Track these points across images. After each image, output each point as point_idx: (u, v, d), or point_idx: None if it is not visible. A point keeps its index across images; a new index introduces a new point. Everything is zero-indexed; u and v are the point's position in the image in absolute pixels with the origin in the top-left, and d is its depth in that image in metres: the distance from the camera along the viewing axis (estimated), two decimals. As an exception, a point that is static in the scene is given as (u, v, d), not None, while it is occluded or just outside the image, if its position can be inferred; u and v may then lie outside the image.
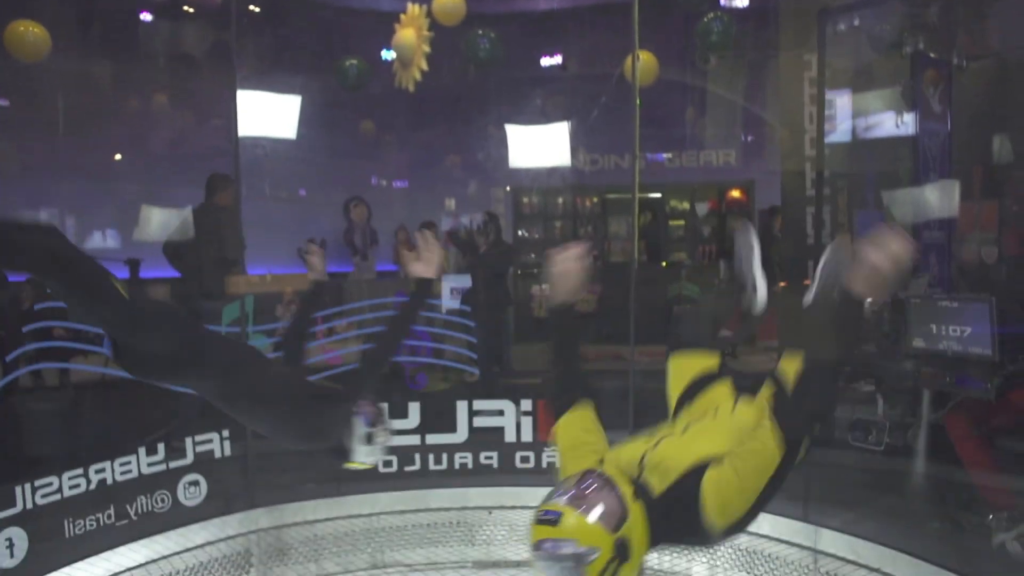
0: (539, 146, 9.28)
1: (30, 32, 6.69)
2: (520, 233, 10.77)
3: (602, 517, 2.01)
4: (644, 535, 2.12)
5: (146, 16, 9.08)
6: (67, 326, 5.11)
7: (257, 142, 7.56)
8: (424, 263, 3.34)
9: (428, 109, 9.36)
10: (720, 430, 2.46)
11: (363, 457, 3.21)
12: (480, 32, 6.96)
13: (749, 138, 9.84)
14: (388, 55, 7.72)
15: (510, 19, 8.48)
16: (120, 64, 8.60)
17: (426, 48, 6.59)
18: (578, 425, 2.53)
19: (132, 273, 7.51)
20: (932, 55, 6.24)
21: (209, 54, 8.31)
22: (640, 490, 2.19)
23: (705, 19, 7.50)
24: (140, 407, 5.36)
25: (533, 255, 10.75)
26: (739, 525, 2.25)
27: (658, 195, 10.55)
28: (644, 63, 6.71)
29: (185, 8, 8.53)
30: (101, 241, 10.15)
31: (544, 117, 9.29)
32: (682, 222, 10.24)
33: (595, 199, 10.70)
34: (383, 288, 7.91)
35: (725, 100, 9.48)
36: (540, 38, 9.10)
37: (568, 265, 2.70)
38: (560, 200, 10.74)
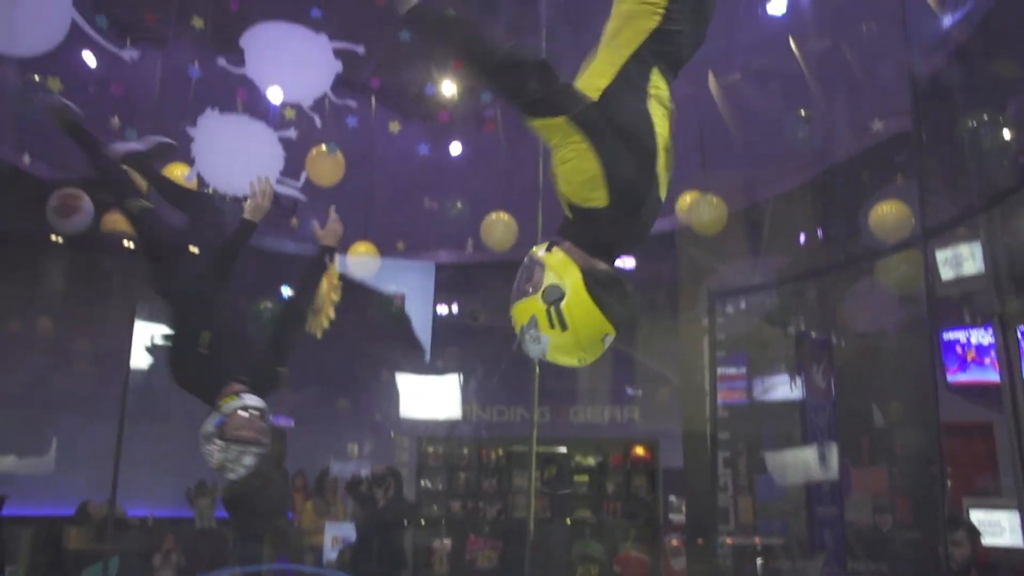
0: (444, 397, 9.29)
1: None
2: (423, 484, 10.43)
3: (517, 296, 2.08)
4: (570, 264, 2.05)
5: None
6: None
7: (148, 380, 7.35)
8: (330, 234, 3.71)
9: (332, 354, 9.36)
10: None
11: None
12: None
13: (650, 396, 10.03)
14: (287, 292, 7.83)
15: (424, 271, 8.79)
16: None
17: (335, 297, 6.71)
18: None
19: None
20: (813, 334, 6.65)
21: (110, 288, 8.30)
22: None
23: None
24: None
25: (435, 507, 10.36)
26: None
27: (563, 449, 10.49)
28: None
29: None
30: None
31: (450, 367, 9.39)
32: (586, 478, 10.11)
33: (500, 451, 10.56)
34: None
35: (628, 357, 9.76)
36: (452, 289, 9.42)
37: None
38: (465, 451, 10.54)
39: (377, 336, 9.19)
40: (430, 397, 9.53)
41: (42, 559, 6.71)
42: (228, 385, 3.09)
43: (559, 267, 2.04)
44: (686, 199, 7.23)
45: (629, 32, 2.16)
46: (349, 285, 6.77)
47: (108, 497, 6.70)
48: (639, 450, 10.06)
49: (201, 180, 6.54)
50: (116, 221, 7.54)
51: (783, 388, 7.58)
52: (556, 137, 2.04)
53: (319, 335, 6.90)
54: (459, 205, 8.13)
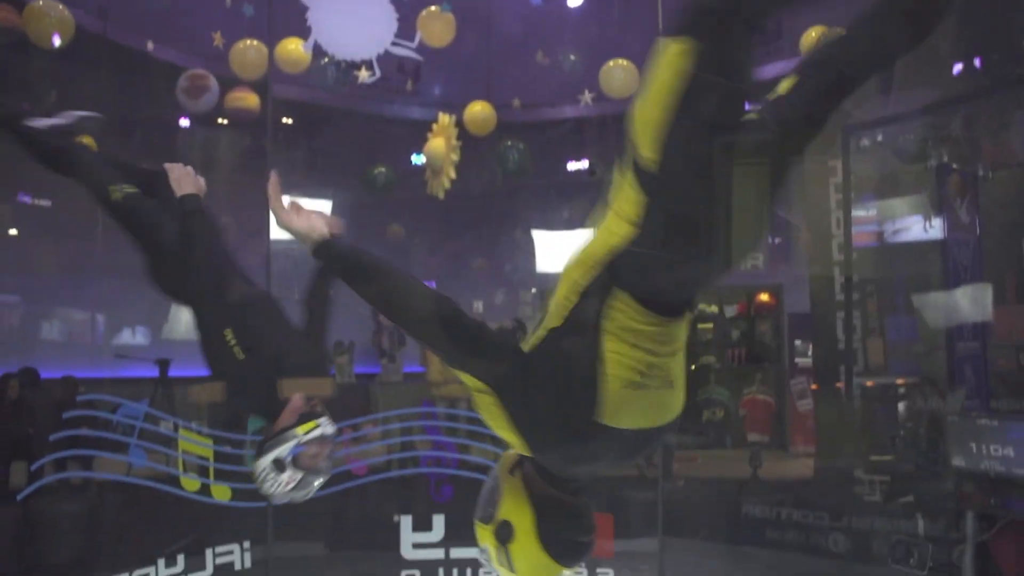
0: (567, 250, 9.36)
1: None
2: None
3: (480, 514, 2.00)
4: (524, 501, 1.94)
5: (184, 124, 9.46)
6: (95, 435, 5.12)
7: (288, 247, 7.70)
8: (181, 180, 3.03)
9: (457, 215, 9.54)
10: None
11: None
12: (509, 143, 7.14)
13: (776, 242, 9.87)
14: (418, 160, 7.94)
15: (538, 128, 8.71)
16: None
17: (455, 157, 6.76)
18: None
19: (161, 373, 7.57)
20: (956, 167, 6.28)
21: (243, 161, 8.60)
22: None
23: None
24: (162, 513, 5.30)
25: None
26: None
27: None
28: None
29: (220, 120, 8.87)
30: (131, 339, 10.29)
31: (571, 223, 9.42)
32: (710, 325, 10.18)
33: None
34: (409, 392, 7.89)
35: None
36: (567, 145, 9.33)
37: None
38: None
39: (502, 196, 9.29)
40: (553, 251, 9.64)
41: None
42: (296, 401, 2.83)
43: (513, 501, 1.92)
44: (811, 34, 6.85)
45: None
46: (470, 143, 6.79)
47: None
48: (763, 296, 10.01)
49: (318, 48, 6.58)
50: (239, 99, 7.77)
51: (918, 228, 7.29)
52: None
53: (441, 196, 7.04)
54: (572, 57, 7.93)
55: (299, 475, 2.71)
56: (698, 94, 1.66)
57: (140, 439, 5.13)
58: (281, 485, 2.70)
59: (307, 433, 2.73)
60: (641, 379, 1.78)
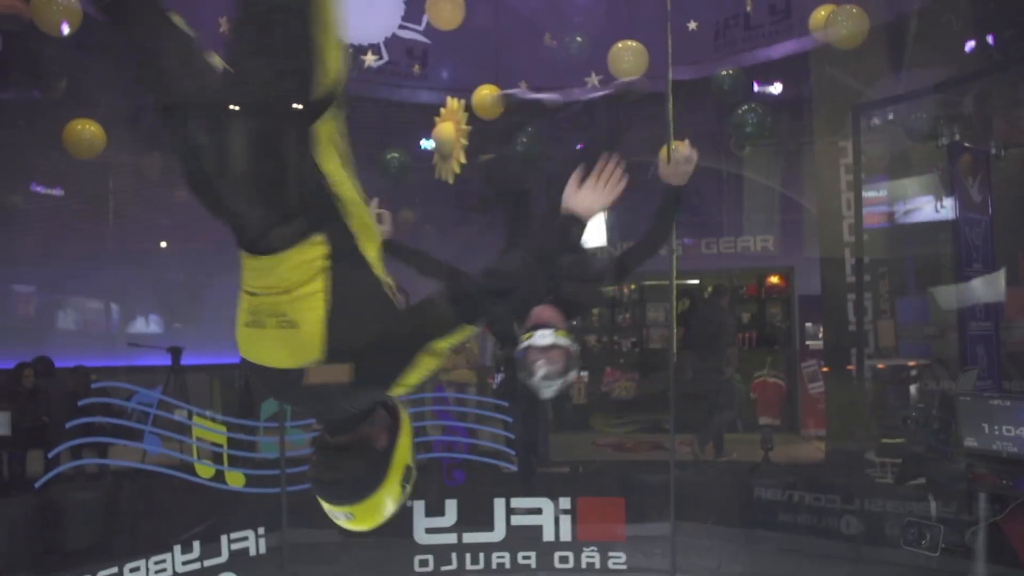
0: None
1: (87, 130, 6.99)
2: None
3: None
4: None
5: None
6: (110, 422, 5.17)
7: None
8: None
9: (467, 199, 9.52)
10: None
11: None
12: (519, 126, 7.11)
13: (787, 224, 9.82)
14: (427, 144, 7.93)
15: (546, 111, 8.66)
16: (170, 156, 8.94)
17: (464, 141, 6.74)
18: None
19: (174, 361, 7.62)
20: (968, 145, 6.22)
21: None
22: None
23: (740, 111, 7.61)
24: (177, 499, 5.35)
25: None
26: None
27: (696, 282, 10.51)
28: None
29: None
30: (145, 327, 10.35)
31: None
32: (719, 309, 10.14)
33: (633, 286, 10.70)
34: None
35: (762, 186, 9.51)
36: (576, 129, 9.27)
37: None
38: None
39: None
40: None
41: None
42: (537, 309, 3.05)
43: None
44: (820, 13, 6.77)
45: None
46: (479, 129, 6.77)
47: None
48: (774, 278, 9.98)
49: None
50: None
51: (929, 208, 7.24)
52: None
53: (451, 181, 7.02)
54: (579, 39, 7.87)
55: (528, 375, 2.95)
56: None
57: (154, 426, 5.18)
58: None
59: (526, 341, 2.93)
60: (252, 317, 1.91)
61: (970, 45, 6.36)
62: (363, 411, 2.03)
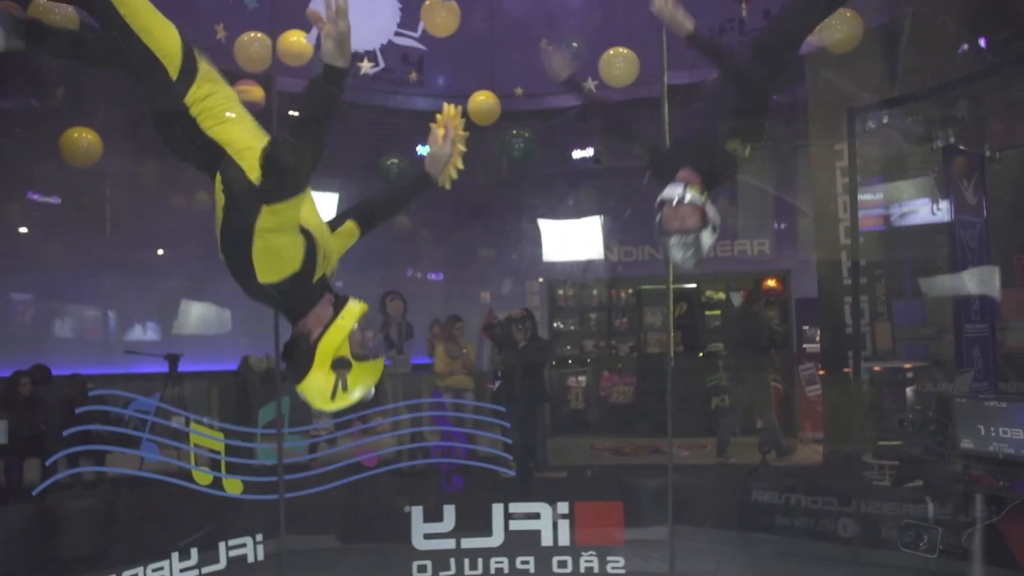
0: (573, 240, 9.38)
1: (84, 138, 6.98)
2: (556, 325, 10.79)
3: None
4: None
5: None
6: (108, 430, 5.16)
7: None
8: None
9: (463, 205, 9.53)
10: None
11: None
12: (514, 132, 7.11)
13: (783, 227, 9.84)
14: (423, 151, 7.93)
15: (542, 116, 8.67)
16: (166, 164, 8.93)
17: (461, 147, 6.73)
18: None
19: (171, 368, 7.62)
20: (963, 148, 6.24)
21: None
22: None
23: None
24: (175, 507, 5.35)
25: (568, 347, 10.74)
26: None
27: (693, 285, 10.53)
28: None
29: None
30: (141, 335, 10.34)
31: (577, 211, 9.40)
32: (718, 312, 10.18)
33: (630, 291, 10.72)
34: (417, 383, 7.92)
35: (757, 189, 9.53)
36: (572, 134, 9.29)
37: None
38: (595, 292, 10.77)
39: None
40: (559, 241, 9.64)
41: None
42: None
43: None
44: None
45: None
46: (477, 134, 6.76)
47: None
48: (771, 282, 9.99)
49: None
50: (244, 92, 7.76)
51: (925, 210, 7.26)
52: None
53: (448, 187, 7.03)
54: (574, 44, 7.87)
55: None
56: None
57: (152, 433, 5.17)
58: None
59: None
60: None
61: (964, 48, 6.37)
62: (305, 305, 2.41)
